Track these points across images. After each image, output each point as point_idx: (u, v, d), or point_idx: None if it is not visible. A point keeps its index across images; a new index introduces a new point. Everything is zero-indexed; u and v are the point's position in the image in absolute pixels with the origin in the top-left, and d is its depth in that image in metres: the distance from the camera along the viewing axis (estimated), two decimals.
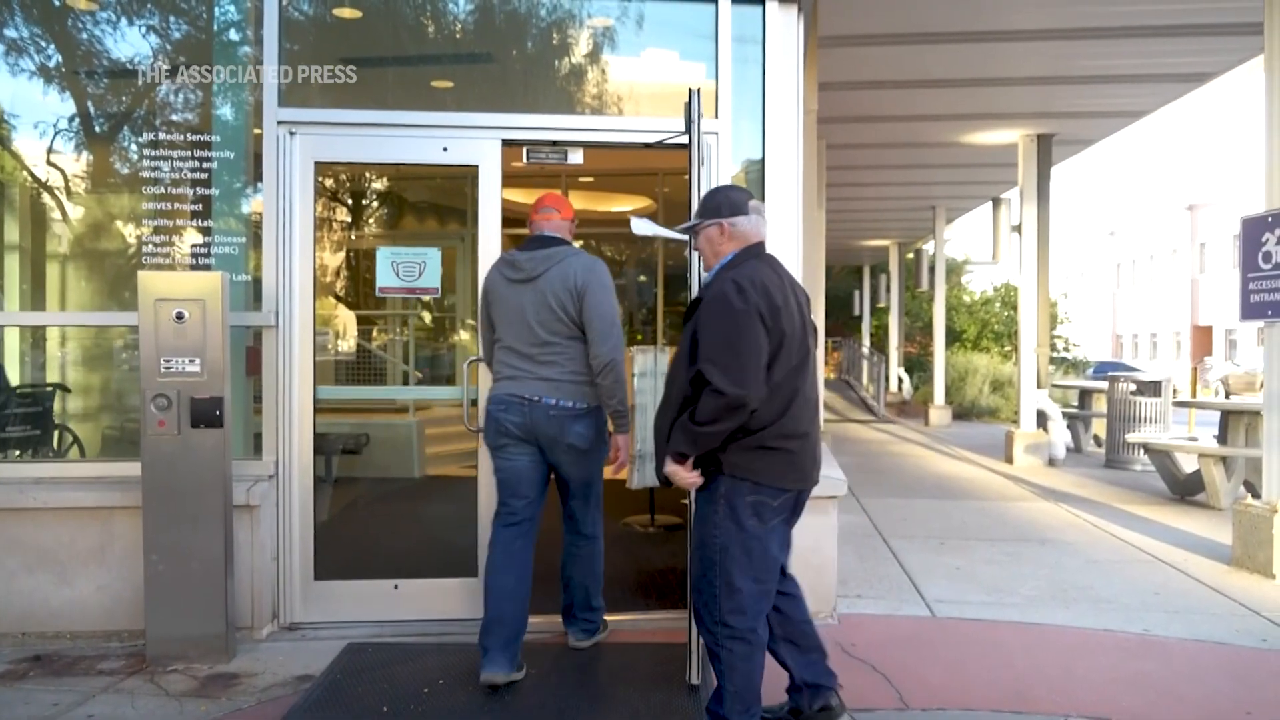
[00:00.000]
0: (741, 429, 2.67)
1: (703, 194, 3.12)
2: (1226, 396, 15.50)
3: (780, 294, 2.72)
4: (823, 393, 11.49)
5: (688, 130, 3.43)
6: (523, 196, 8.61)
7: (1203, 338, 35.29)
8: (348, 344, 7.29)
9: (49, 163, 4.33)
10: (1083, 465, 9.59)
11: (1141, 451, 8.81)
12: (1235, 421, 7.18)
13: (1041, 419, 9.81)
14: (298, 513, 4.08)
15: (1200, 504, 7.28)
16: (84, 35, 4.33)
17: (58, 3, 4.30)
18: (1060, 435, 9.81)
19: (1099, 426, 10.78)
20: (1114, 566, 5.31)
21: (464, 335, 7.51)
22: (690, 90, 3.45)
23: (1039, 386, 9.76)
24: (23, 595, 3.88)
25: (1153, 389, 9.21)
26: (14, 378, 4.46)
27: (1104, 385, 10.12)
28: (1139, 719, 3.23)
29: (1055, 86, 8.14)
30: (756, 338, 2.63)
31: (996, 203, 11.74)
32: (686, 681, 3.35)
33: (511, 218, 5.17)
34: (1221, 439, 7.35)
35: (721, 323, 2.66)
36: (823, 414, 10.64)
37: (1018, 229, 10.08)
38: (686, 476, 2.77)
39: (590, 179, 8.93)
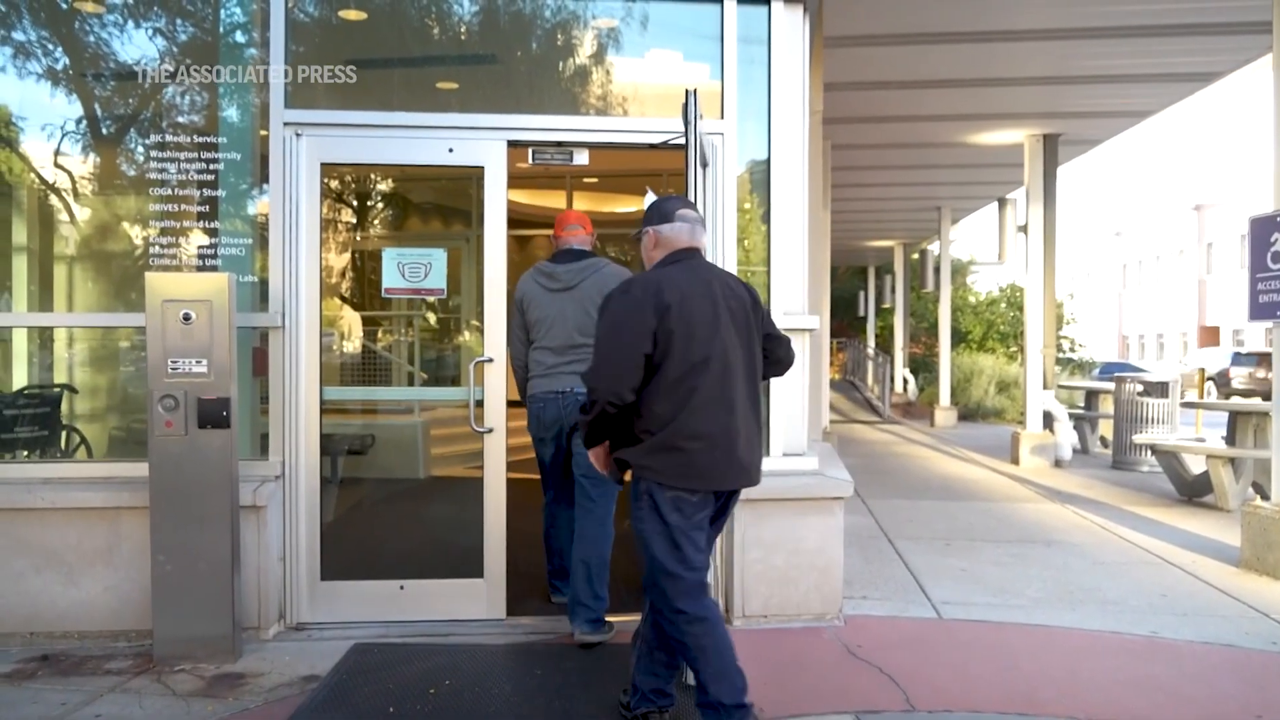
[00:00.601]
0: (643, 428, 2.76)
1: (706, 196, 3.15)
2: (1181, 395, 15.46)
3: (675, 293, 2.75)
4: (828, 393, 11.50)
5: (686, 131, 3.44)
6: (526, 198, 8.62)
7: (1210, 338, 35.15)
8: (353, 345, 7.31)
9: (56, 165, 4.35)
10: (1089, 466, 9.56)
11: (1149, 453, 8.77)
12: (1244, 422, 7.15)
13: (1048, 420, 9.77)
14: (304, 513, 4.09)
15: (1208, 505, 7.25)
16: (91, 38, 4.34)
17: (64, 5, 4.32)
18: (1066, 436, 9.77)
19: (1106, 427, 10.75)
20: (1121, 568, 5.30)
21: (469, 336, 7.51)
22: (687, 91, 3.46)
23: (1045, 387, 9.73)
24: (30, 595, 3.89)
25: (1160, 390, 9.18)
26: (22, 378, 4.48)
27: (1110, 386, 10.09)
28: None
29: (1061, 86, 8.11)
30: (625, 336, 2.73)
31: (1002, 203, 11.71)
32: (685, 682, 3.34)
33: (516, 219, 5.18)
34: (1230, 440, 7.32)
35: (601, 320, 2.86)
36: (827, 414, 10.66)
37: (1023, 229, 10.05)
38: (594, 462, 3.00)
39: (594, 180, 8.93)
